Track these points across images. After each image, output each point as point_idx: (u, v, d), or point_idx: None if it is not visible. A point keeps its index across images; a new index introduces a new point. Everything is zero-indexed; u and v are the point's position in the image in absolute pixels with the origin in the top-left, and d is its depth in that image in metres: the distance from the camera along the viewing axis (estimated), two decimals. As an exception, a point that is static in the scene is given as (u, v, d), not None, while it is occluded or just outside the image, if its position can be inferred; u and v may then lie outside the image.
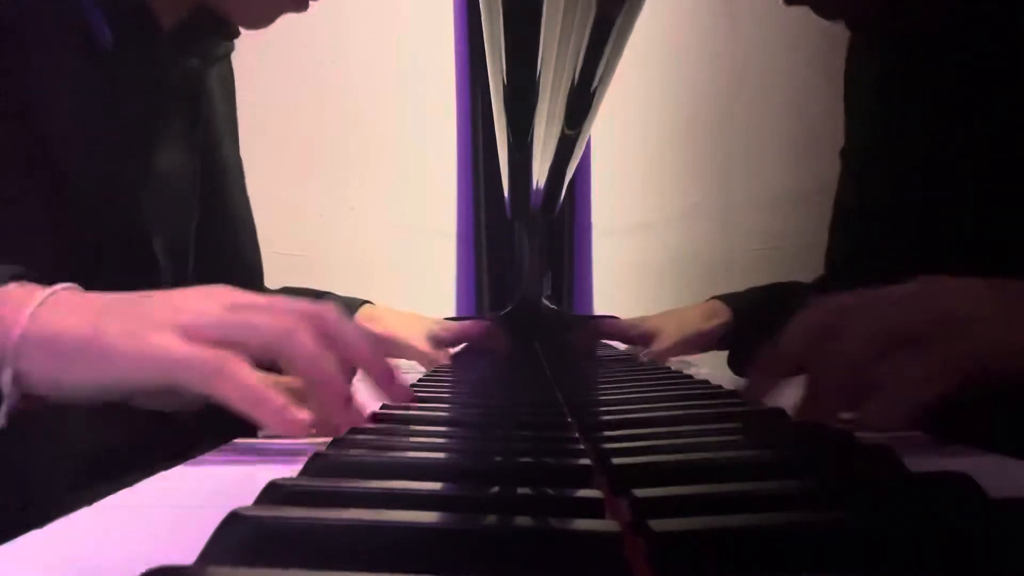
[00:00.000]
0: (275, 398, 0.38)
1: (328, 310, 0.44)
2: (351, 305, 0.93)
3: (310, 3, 0.64)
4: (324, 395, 0.41)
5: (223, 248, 0.70)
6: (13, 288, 0.41)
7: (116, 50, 0.56)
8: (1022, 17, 0.55)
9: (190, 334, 0.39)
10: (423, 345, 0.92)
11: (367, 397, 0.48)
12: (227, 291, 0.43)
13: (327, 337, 0.42)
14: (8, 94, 0.50)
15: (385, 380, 0.47)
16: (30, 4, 0.50)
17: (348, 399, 0.42)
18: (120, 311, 0.40)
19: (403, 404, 0.49)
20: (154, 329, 0.39)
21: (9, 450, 0.46)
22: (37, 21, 0.51)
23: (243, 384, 0.38)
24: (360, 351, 0.45)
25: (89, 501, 0.30)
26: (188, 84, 0.66)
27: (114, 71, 0.57)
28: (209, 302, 0.41)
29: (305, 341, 0.41)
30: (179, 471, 0.37)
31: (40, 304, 0.39)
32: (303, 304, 0.44)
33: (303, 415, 0.39)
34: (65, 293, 0.41)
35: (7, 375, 0.38)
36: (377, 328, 0.90)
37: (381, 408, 0.50)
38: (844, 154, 0.81)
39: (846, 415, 0.41)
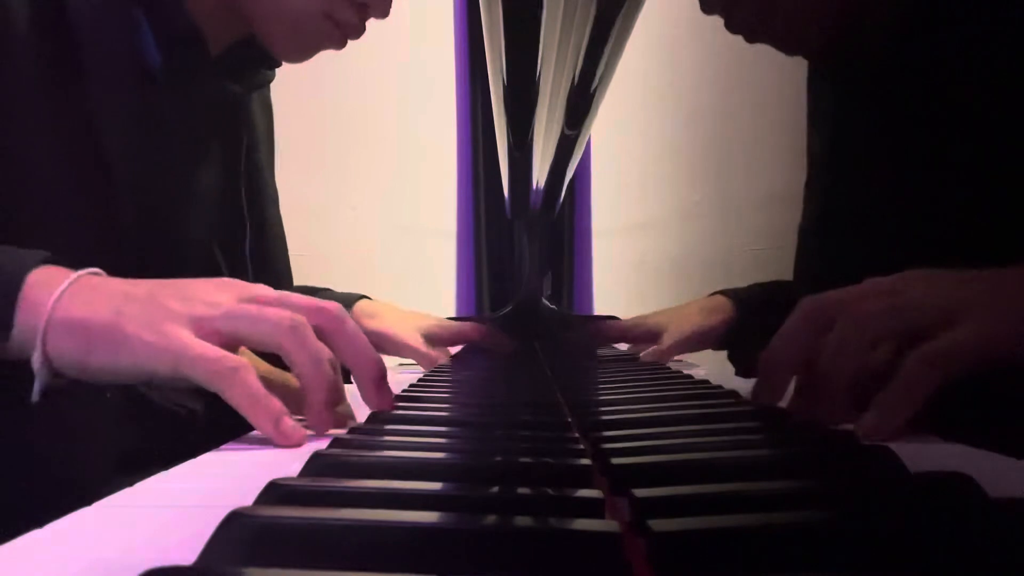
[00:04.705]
0: (273, 407, 0.40)
1: (331, 307, 0.45)
2: (348, 300, 0.92)
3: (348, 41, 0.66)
4: (315, 394, 0.43)
5: (256, 257, 0.73)
6: (41, 272, 0.43)
7: (165, 72, 0.59)
8: (965, 42, 0.57)
9: (202, 325, 0.41)
10: (418, 343, 0.91)
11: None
12: (239, 283, 0.45)
13: (325, 333, 0.44)
14: (69, 111, 0.53)
15: (372, 384, 0.46)
16: (88, 28, 0.53)
17: (337, 401, 0.44)
18: (140, 299, 0.42)
19: (394, 407, 0.49)
20: (169, 320, 0.41)
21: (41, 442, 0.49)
22: (94, 44, 0.53)
23: (247, 389, 0.40)
24: (353, 351, 0.45)
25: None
26: (230, 108, 0.69)
27: (163, 92, 0.60)
28: (221, 294, 0.43)
29: (304, 340, 0.42)
30: (179, 471, 0.37)
31: (65, 288, 0.42)
32: (307, 300, 0.45)
33: (298, 430, 0.41)
34: (89, 278, 0.43)
35: (37, 356, 0.41)
36: (371, 324, 0.90)
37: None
38: (808, 184, 0.81)
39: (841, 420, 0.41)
